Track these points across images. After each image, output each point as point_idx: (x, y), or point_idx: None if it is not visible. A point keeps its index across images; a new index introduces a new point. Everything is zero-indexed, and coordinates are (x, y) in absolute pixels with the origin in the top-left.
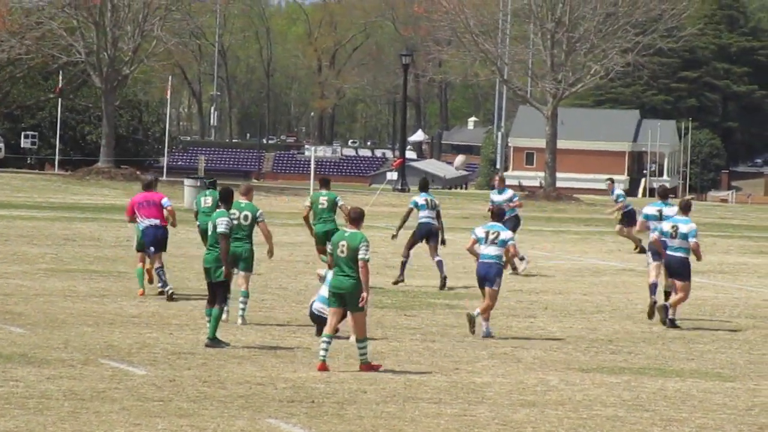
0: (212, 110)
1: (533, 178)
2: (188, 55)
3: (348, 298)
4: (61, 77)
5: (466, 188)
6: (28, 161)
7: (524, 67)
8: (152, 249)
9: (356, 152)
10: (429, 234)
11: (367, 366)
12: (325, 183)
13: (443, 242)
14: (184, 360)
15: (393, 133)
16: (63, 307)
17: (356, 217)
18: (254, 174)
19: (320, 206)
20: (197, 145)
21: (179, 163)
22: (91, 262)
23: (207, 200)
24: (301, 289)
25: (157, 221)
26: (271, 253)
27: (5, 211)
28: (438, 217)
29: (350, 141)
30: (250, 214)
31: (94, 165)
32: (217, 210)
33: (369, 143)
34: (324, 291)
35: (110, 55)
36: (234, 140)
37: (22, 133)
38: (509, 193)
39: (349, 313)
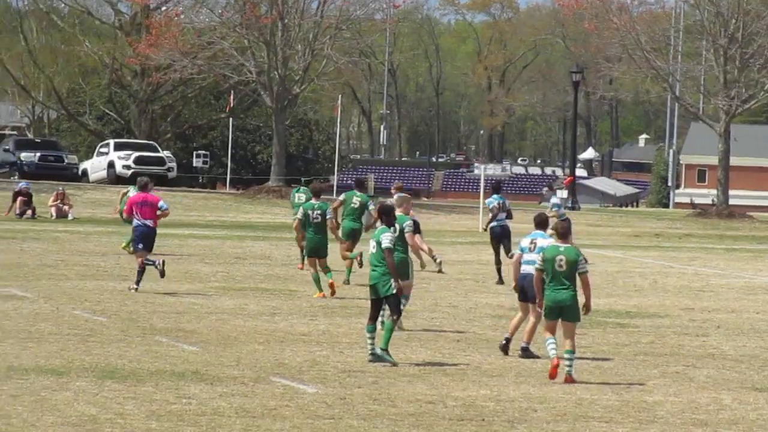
0: (382, 129)
1: (706, 195)
2: (358, 74)
3: (565, 311)
4: (232, 97)
5: (636, 206)
6: (200, 180)
7: (696, 83)
8: (140, 246)
9: (526, 170)
10: (501, 236)
11: (571, 378)
12: (360, 185)
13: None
14: (355, 378)
15: (563, 151)
16: (234, 325)
17: (565, 232)
18: (424, 192)
19: (352, 205)
20: (367, 164)
21: (349, 181)
22: (262, 280)
23: (300, 196)
24: (471, 307)
25: (150, 222)
26: (422, 266)
27: (177, 230)
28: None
29: (520, 159)
30: (397, 225)
31: (265, 184)
32: (380, 226)
33: (539, 161)
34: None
35: (281, 74)
36: (403, 158)
37: (194, 153)
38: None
39: (561, 321)
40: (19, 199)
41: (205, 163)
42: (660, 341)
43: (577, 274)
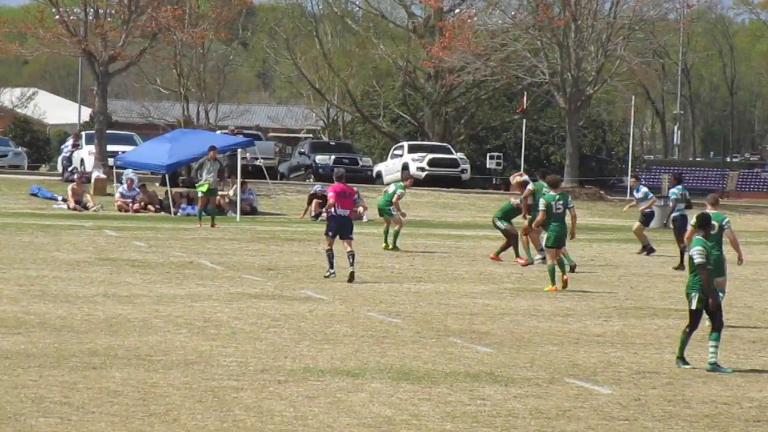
0: (675, 129)
1: None
2: (651, 74)
3: None
4: (525, 98)
5: None
6: (494, 182)
7: None
8: (331, 233)
9: None
10: (682, 226)
11: None
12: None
13: None
14: (649, 379)
15: None
16: (528, 327)
17: None
18: (718, 193)
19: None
20: (660, 164)
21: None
22: None
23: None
24: (766, 307)
25: (347, 212)
26: (740, 260)
27: (472, 231)
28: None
29: None
30: (716, 223)
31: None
32: (695, 238)
33: None
34: None
35: (573, 75)
36: (697, 159)
37: (487, 154)
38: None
39: None
40: (315, 201)
41: (498, 164)
42: None
43: None
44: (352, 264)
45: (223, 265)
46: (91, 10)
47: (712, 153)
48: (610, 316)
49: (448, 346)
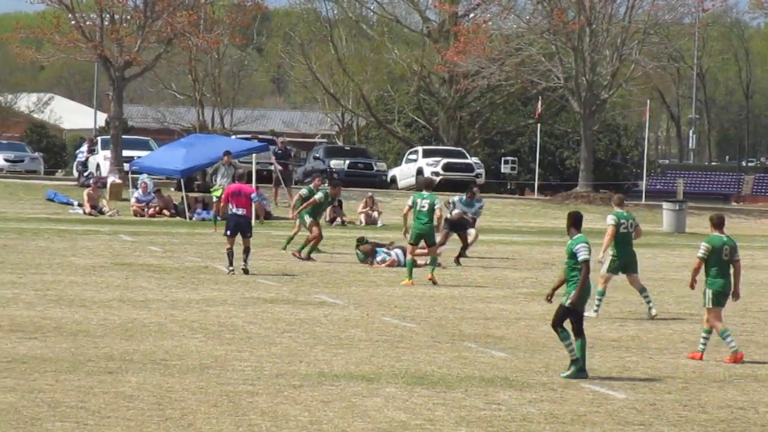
0: (690, 133)
1: None
2: (666, 78)
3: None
4: (540, 103)
5: None
6: (508, 186)
7: None
8: (229, 233)
9: None
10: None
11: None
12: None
13: None
14: (664, 384)
15: None
16: (543, 331)
17: (720, 222)
18: (733, 197)
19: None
20: (675, 169)
21: (657, 186)
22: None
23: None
24: None
25: (244, 211)
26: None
27: (486, 236)
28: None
29: None
30: (633, 222)
31: (573, 189)
32: (577, 235)
33: None
34: None
35: (588, 79)
36: (713, 163)
37: (502, 159)
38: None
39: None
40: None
41: (513, 169)
42: None
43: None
44: (245, 260)
45: (237, 269)
46: (107, 15)
47: (727, 157)
48: (625, 321)
49: (463, 351)
